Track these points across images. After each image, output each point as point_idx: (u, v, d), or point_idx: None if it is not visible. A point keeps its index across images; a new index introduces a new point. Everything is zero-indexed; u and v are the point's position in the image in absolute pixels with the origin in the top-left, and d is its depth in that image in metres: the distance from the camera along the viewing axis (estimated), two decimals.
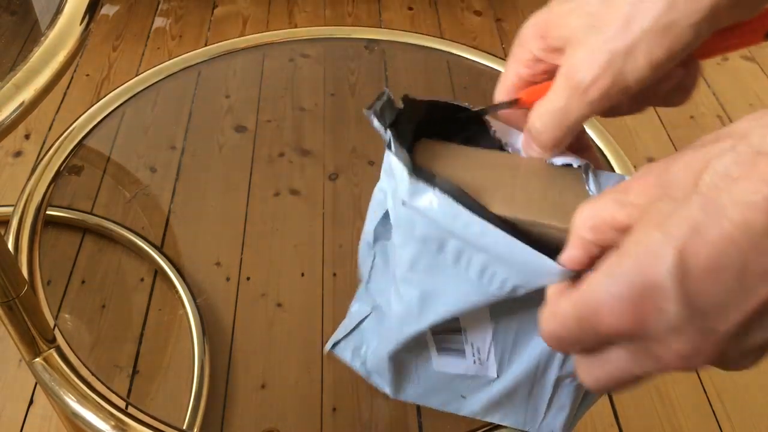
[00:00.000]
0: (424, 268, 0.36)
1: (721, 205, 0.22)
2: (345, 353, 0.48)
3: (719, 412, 1.14)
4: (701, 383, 1.17)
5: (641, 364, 0.26)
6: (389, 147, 0.35)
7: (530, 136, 0.35)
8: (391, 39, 0.95)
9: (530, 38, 0.35)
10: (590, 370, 0.28)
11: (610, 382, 0.27)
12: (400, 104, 0.37)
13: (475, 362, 0.41)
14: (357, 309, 0.47)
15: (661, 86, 0.34)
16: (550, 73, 0.35)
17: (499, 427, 0.51)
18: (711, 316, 0.23)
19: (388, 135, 0.35)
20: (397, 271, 0.39)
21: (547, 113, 0.33)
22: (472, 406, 0.46)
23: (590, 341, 0.27)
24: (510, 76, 0.37)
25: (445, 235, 0.34)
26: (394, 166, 0.35)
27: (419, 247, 0.36)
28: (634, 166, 0.70)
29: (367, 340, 0.47)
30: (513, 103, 0.37)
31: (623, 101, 0.34)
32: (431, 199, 0.34)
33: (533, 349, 0.41)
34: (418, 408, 0.77)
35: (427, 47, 0.91)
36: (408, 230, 0.36)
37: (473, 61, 0.89)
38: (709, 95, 1.63)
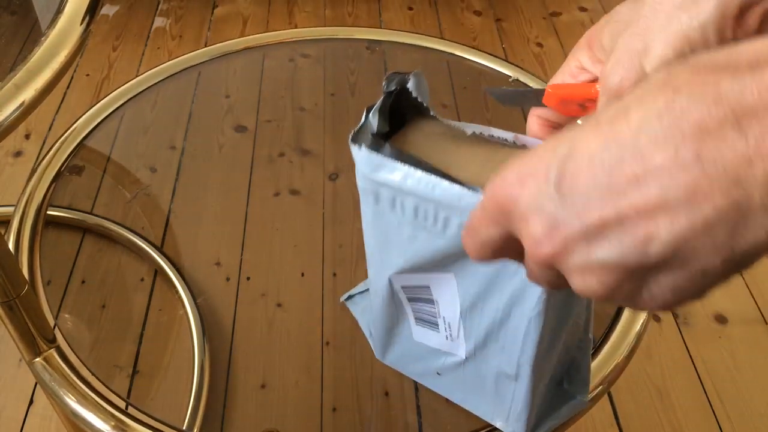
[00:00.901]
0: (371, 220, 0.41)
1: (613, 119, 0.24)
2: (355, 308, 0.53)
3: (719, 412, 1.14)
4: (701, 383, 1.17)
5: (491, 233, 0.29)
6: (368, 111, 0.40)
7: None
8: (391, 39, 0.95)
9: (580, 48, 0.38)
10: (471, 240, 0.31)
11: (482, 252, 0.31)
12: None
13: (447, 338, 0.44)
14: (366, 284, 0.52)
15: None
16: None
17: (497, 427, 0.51)
18: (573, 205, 0.25)
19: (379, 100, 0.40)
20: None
21: None
22: (446, 385, 0.49)
23: (487, 221, 0.29)
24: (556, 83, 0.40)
25: (376, 186, 0.38)
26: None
27: (362, 200, 0.40)
28: None
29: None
30: (540, 93, 0.39)
31: None
32: (359, 154, 0.38)
33: (497, 342, 0.42)
34: (418, 408, 0.77)
35: (427, 47, 0.91)
36: (361, 190, 0.40)
37: (473, 61, 0.90)
38: None
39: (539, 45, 1.85)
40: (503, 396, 0.45)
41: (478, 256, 0.31)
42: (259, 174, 0.97)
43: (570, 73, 0.38)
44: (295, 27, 1.82)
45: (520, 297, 0.38)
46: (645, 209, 0.23)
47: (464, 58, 0.90)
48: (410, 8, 1.89)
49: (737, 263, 0.23)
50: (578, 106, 0.38)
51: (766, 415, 1.13)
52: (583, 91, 0.37)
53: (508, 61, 0.90)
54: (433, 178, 0.36)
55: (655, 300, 0.25)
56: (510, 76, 0.87)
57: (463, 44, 0.91)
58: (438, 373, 0.49)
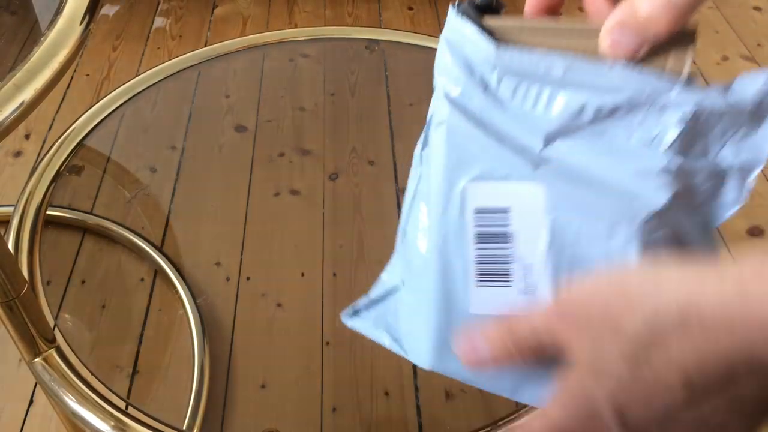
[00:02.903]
0: (457, 114, 0.33)
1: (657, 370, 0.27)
2: (365, 322, 0.42)
3: None
4: None
5: None
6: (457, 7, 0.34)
7: (629, 26, 0.31)
8: (391, 39, 0.95)
9: None
10: None
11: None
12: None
13: (522, 291, 0.34)
14: (387, 277, 0.41)
15: None
16: None
17: (497, 427, 0.51)
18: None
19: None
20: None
21: None
22: (514, 379, 0.36)
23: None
24: None
25: (489, 69, 0.33)
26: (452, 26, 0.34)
27: (462, 90, 0.33)
28: None
29: (398, 313, 0.40)
30: None
31: None
32: (462, 24, 0.33)
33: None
34: (418, 408, 0.77)
35: (427, 47, 0.91)
36: (445, 82, 0.34)
37: None
38: None
39: None
40: None
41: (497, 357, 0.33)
42: (259, 174, 0.97)
43: None
44: (295, 27, 1.82)
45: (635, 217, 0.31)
46: None
47: None
48: (410, 8, 1.89)
49: None
50: None
51: None
52: None
53: None
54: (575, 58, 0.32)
55: None
56: None
57: None
58: None
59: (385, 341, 0.40)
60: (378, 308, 0.42)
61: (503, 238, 0.34)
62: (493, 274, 0.35)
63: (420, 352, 0.37)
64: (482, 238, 0.34)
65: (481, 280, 0.35)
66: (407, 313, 0.39)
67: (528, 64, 0.32)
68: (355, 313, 0.42)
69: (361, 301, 0.42)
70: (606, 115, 0.32)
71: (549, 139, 0.32)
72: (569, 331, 0.30)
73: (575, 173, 0.32)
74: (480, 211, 0.34)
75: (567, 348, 0.30)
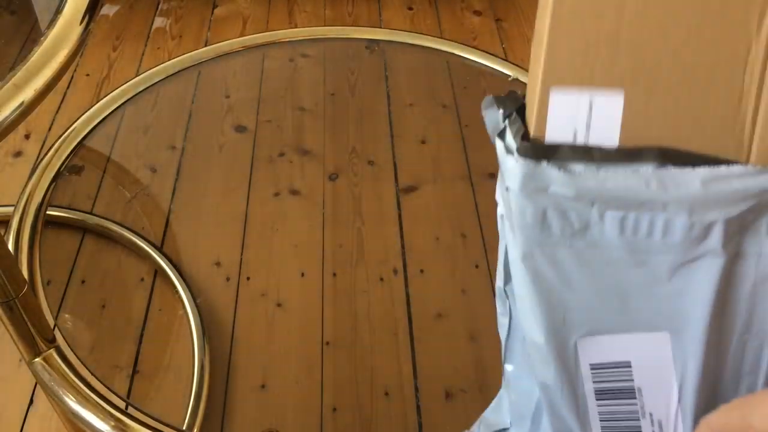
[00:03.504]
0: (539, 264, 0.28)
1: None
2: None
3: None
4: None
5: None
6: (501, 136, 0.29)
7: None
8: (391, 39, 0.95)
9: None
10: None
11: None
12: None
13: None
14: (494, 416, 0.37)
15: None
16: None
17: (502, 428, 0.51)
18: None
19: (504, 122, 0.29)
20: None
21: None
22: None
23: None
24: None
25: (566, 203, 0.27)
26: (506, 154, 0.28)
27: (516, 238, 0.29)
28: None
29: None
30: None
31: None
32: (521, 167, 0.27)
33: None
34: (418, 408, 0.77)
35: (427, 47, 0.91)
36: (517, 221, 0.29)
37: (473, 61, 0.90)
38: None
39: None
40: None
41: None
42: (259, 174, 0.97)
43: None
44: (295, 27, 1.82)
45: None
46: None
47: (464, 58, 0.90)
48: (410, 8, 1.89)
49: None
50: None
51: None
52: None
53: (508, 61, 0.90)
54: (645, 168, 0.26)
55: None
56: (510, 76, 0.87)
57: (463, 44, 0.91)
58: None
59: None
60: None
61: (628, 393, 0.30)
62: (623, 429, 0.31)
63: None
64: (604, 394, 0.30)
65: None
66: None
67: (626, 185, 0.26)
68: None
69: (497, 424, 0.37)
70: (735, 230, 0.27)
71: (672, 272, 0.27)
72: None
73: (706, 310, 0.28)
74: (597, 367, 0.30)
75: None
